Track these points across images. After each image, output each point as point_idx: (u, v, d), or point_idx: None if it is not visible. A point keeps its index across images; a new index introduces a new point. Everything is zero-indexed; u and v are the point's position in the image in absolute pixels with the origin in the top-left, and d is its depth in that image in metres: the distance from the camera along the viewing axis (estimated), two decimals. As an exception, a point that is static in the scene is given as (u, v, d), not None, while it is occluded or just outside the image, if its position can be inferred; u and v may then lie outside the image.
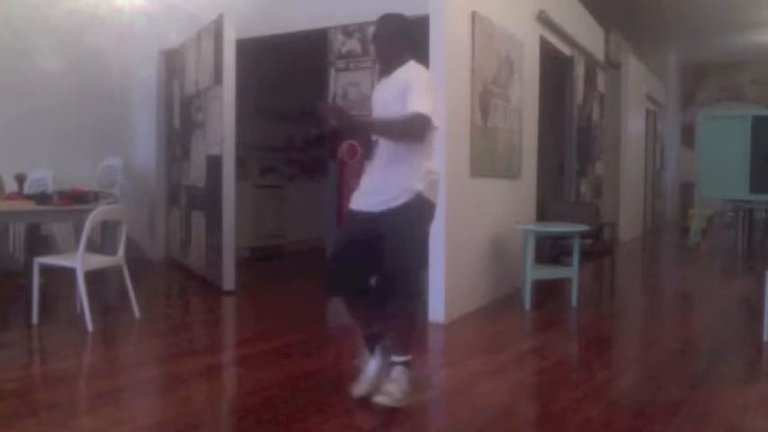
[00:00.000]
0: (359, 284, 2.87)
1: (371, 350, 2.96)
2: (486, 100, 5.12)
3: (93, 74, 7.03)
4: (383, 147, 2.83)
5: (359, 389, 2.90)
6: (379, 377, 2.89)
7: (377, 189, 2.80)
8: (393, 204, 2.74)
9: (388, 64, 2.88)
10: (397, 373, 2.84)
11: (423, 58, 4.67)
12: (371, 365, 2.94)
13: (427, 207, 2.82)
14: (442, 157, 4.47)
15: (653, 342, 4.47)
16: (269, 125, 8.57)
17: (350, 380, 3.03)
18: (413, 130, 2.68)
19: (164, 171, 7.50)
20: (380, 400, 2.78)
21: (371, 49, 3.01)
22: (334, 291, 2.96)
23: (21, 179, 4.96)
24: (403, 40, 2.87)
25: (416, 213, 2.77)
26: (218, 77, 5.65)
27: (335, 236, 3.02)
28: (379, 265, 2.78)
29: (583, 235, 5.21)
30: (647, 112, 12.23)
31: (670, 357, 3.98)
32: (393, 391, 2.79)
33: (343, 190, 3.00)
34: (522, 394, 3.31)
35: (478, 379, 3.40)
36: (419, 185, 2.76)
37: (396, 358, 2.86)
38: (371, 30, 2.99)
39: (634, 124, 11.17)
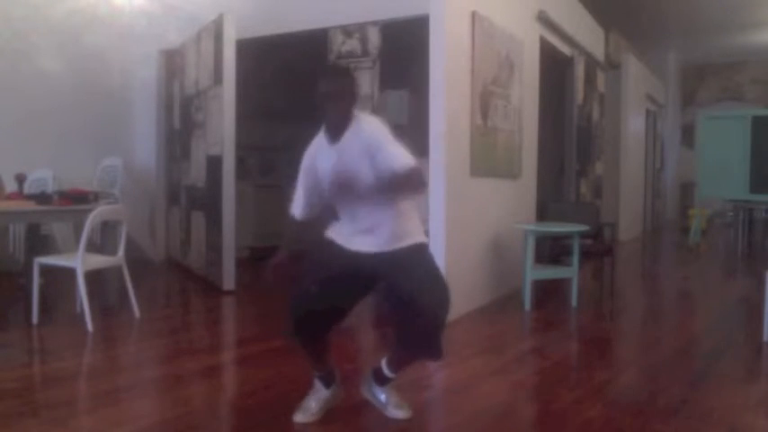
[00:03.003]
0: (329, 327, 2.65)
1: (328, 385, 2.78)
2: (486, 100, 5.12)
3: (93, 74, 7.03)
4: (368, 211, 2.51)
5: (305, 416, 2.74)
6: (327, 405, 2.77)
7: (372, 232, 2.54)
8: (396, 245, 2.53)
9: (340, 127, 2.51)
10: (391, 383, 2.81)
11: (422, 63, 4.67)
12: (323, 396, 2.78)
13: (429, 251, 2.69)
14: (442, 157, 4.48)
15: (653, 342, 4.47)
16: (269, 125, 8.57)
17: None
18: (416, 183, 2.41)
19: (164, 171, 7.50)
20: (401, 414, 2.76)
21: (331, 103, 2.49)
22: (300, 333, 2.61)
23: (21, 179, 4.97)
24: (355, 97, 2.56)
25: (424, 253, 2.62)
26: (218, 77, 5.65)
27: (311, 268, 2.66)
28: (351, 308, 2.65)
29: (583, 235, 5.21)
30: (647, 112, 12.23)
31: (670, 357, 3.98)
32: (399, 400, 2.80)
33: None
34: (523, 394, 3.31)
35: (479, 379, 3.40)
36: (420, 237, 2.60)
37: (393, 375, 2.76)
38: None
39: (634, 124, 11.17)
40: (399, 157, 2.39)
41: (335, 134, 2.53)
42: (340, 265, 2.59)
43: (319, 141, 2.63)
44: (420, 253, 2.59)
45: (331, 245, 2.65)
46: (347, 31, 5.72)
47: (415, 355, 2.69)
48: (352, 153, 2.47)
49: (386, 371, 2.75)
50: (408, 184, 2.40)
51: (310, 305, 2.58)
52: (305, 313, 2.58)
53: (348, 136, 2.51)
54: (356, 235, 2.58)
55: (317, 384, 2.79)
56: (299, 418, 2.73)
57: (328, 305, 2.58)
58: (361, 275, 2.56)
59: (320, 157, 2.59)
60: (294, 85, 8.07)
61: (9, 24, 6.38)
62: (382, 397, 2.79)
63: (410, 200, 2.61)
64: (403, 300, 2.49)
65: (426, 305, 2.45)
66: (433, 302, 2.47)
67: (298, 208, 2.75)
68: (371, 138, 2.45)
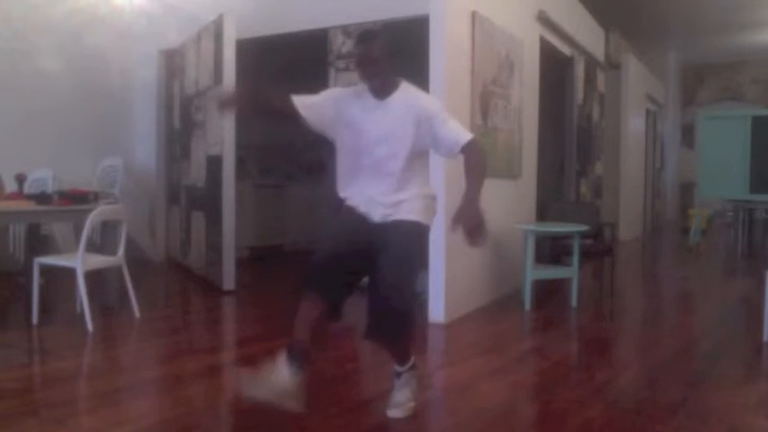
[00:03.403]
0: (345, 291, 2.59)
1: (296, 361, 2.51)
2: (486, 100, 5.12)
3: (93, 74, 7.03)
4: (390, 170, 2.60)
5: (254, 390, 2.49)
6: (286, 388, 2.48)
7: (380, 203, 2.62)
8: (396, 218, 2.60)
9: (382, 89, 2.61)
10: (406, 378, 2.79)
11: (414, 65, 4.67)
12: (284, 380, 2.48)
13: (425, 233, 2.74)
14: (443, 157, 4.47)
15: (653, 342, 4.47)
16: (269, 125, 8.56)
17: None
18: (483, 159, 2.57)
19: (164, 171, 7.50)
20: (394, 414, 2.74)
21: (360, 68, 2.63)
22: (318, 288, 2.52)
23: (21, 179, 4.96)
24: (395, 61, 2.63)
25: (416, 234, 2.65)
26: (218, 77, 5.65)
27: (331, 229, 2.70)
28: (360, 279, 2.62)
29: (583, 235, 5.21)
30: (647, 112, 12.23)
31: (670, 357, 3.98)
32: (403, 400, 2.77)
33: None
34: (522, 394, 3.31)
35: (479, 379, 3.40)
36: (419, 216, 2.64)
37: (401, 368, 2.77)
38: (360, 41, 2.67)
39: (634, 124, 11.17)
40: (461, 130, 2.57)
41: (381, 95, 2.61)
42: (352, 223, 2.62)
43: (360, 92, 2.67)
44: (413, 234, 2.61)
45: (348, 208, 2.67)
46: (347, 31, 5.72)
47: (384, 344, 2.71)
48: (398, 113, 2.57)
49: (394, 364, 2.77)
50: (482, 166, 2.54)
51: (328, 256, 2.55)
52: (323, 263, 2.53)
53: (396, 97, 2.61)
54: (373, 204, 2.62)
55: (284, 361, 2.50)
56: (253, 392, 2.47)
57: (343, 260, 2.53)
58: (365, 240, 2.55)
59: (356, 104, 2.65)
60: (294, 85, 8.10)
61: (9, 24, 6.37)
62: (392, 393, 2.79)
63: (426, 178, 2.74)
64: (377, 271, 2.50)
65: (391, 285, 2.46)
66: (397, 294, 2.46)
67: (301, 98, 2.69)
68: (424, 107, 2.59)
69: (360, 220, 2.63)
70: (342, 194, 2.73)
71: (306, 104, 2.68)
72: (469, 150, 2.54)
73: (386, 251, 2.51)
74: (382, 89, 2.61)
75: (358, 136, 2.62)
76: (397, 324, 2.57)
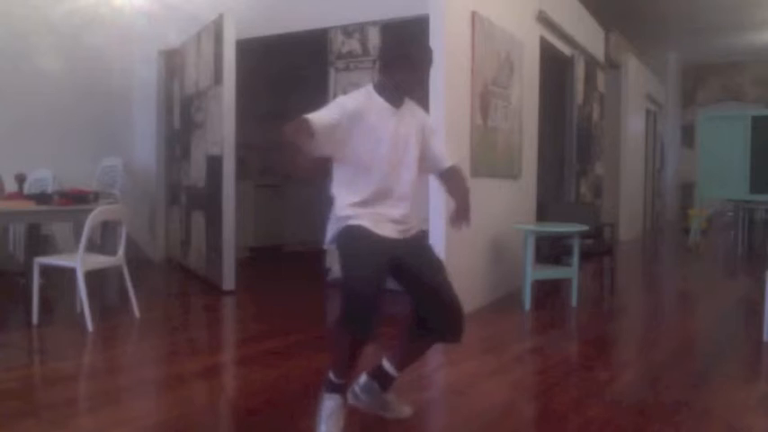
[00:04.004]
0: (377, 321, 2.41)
1: (344, 393, 2.58)
2: (486, 100, 5.12)
3: (93, 74, 7.03)
4: (406, 183, 2.58)
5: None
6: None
7: (398, 220, 2.57)
8: (415, 231, 2.66)
9: (403, 97, 2.57)
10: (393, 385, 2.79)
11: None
12: (341, 416, 2.53)
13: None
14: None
15: (653, 342, 4.47)
16: (269, 125, 8.57)
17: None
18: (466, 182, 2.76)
19: (164, 171, 7.50)
20: (408, 411, 2.77)
21: (419, 71, 2.51)
22: (361, 331, 2.35)
23: (21, 179, 4.97)
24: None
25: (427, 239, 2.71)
26: (218, 77, 5.65)
27: (358, 263, 2.42)
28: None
29: (583, 235, 5.21)
30: (647, 112, 12.23)
31: (670, 357, 3.98)
32: (399, 399, 2.79)
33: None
34: (522, 394, 3.31)
35: (478, 379, 3.40)
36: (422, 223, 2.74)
37: (398, 374, 2.73)
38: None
39: (634, 124, 11.17)
40: (445, 151, 2.75)
41: (399, 103, 2.56)
42: (380, 250, 2.45)
43: (371, 98, 2.53)
44: (427, 239, 2.75)
45: (363, 229, 2.48)
46: (347, 31, 5.72)
47: (437, 339, 2.67)
48: (410, 122, 2.60)
49: (390, 370, 2.68)
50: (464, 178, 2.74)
51: (367, 295, 2.33)
52: (367, 300, 2.32)
53: (406, 107, 2.60)
54: (391, 222, 2.55)
55: (333, 400, 2.52)
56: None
57: (380, 293, 2.37)
58: (391, 262, 2.47)
59: (372, 111, 2.49)
60: (294, 85, 8.11)
61: (9, 24, 6.38)
62: (387, 397, 2.75)
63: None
64: (427, 284, 2.55)
65: (449, 287, 2.57)
66: (450, 284, 2.60)
67: (316, 117, 2.38)
68: (427, 119, 2.72)
69: (384, 243, 2.49)
70: (348, 212, 2.53)
71: (320, 125, 2.35)
72: (455, 171, 2.71)
73: (428, 267, 2.59)
74: (403, 97, 2.57)
75: (377, 144, 2.48)
76: (462, 326, 2.58)
